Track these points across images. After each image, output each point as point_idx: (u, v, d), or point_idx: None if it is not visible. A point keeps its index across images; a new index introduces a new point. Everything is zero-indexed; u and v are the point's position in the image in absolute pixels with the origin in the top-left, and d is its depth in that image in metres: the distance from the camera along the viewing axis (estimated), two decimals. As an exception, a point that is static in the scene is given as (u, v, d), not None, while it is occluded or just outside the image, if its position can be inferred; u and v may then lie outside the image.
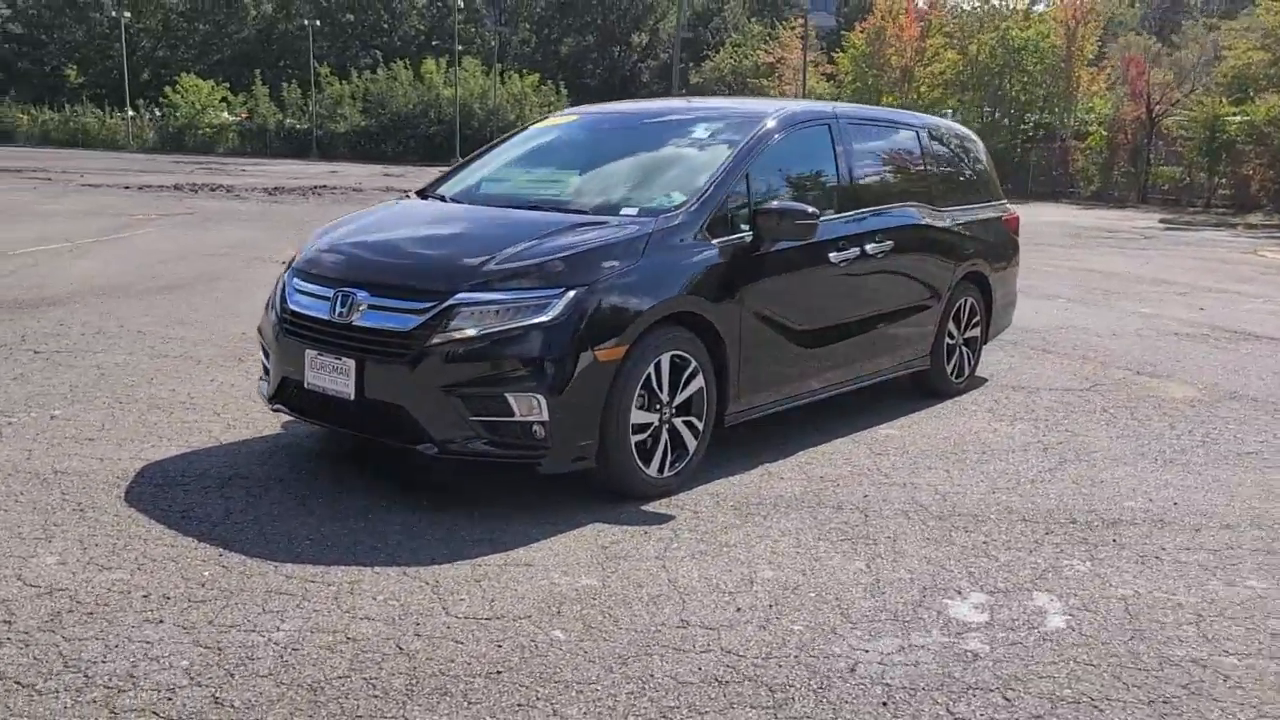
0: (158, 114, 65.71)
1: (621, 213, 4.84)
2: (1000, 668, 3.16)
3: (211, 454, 5.00)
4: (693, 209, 4.77)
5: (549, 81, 66.14)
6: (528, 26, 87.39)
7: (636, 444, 4.45)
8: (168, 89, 64.72)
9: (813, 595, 3.65)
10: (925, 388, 6.67)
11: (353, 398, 4.34)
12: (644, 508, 4.45)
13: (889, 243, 5.86)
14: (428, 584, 3.60)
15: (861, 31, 48.98)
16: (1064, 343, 8.82)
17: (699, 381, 4.70)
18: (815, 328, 5.44)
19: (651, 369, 4.46)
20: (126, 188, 24.79)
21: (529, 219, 4.84)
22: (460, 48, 78.34)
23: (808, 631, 3.36)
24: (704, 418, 4.78)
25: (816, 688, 3.00)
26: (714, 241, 4.79)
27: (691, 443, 4.73)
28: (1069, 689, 3.05)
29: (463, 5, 78.59)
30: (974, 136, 7.47)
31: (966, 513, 4.57)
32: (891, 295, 6.02)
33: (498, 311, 4.17)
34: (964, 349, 6.85)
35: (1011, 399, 6.76)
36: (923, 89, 46.67)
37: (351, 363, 4.31)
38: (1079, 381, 7.32)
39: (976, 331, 6.95)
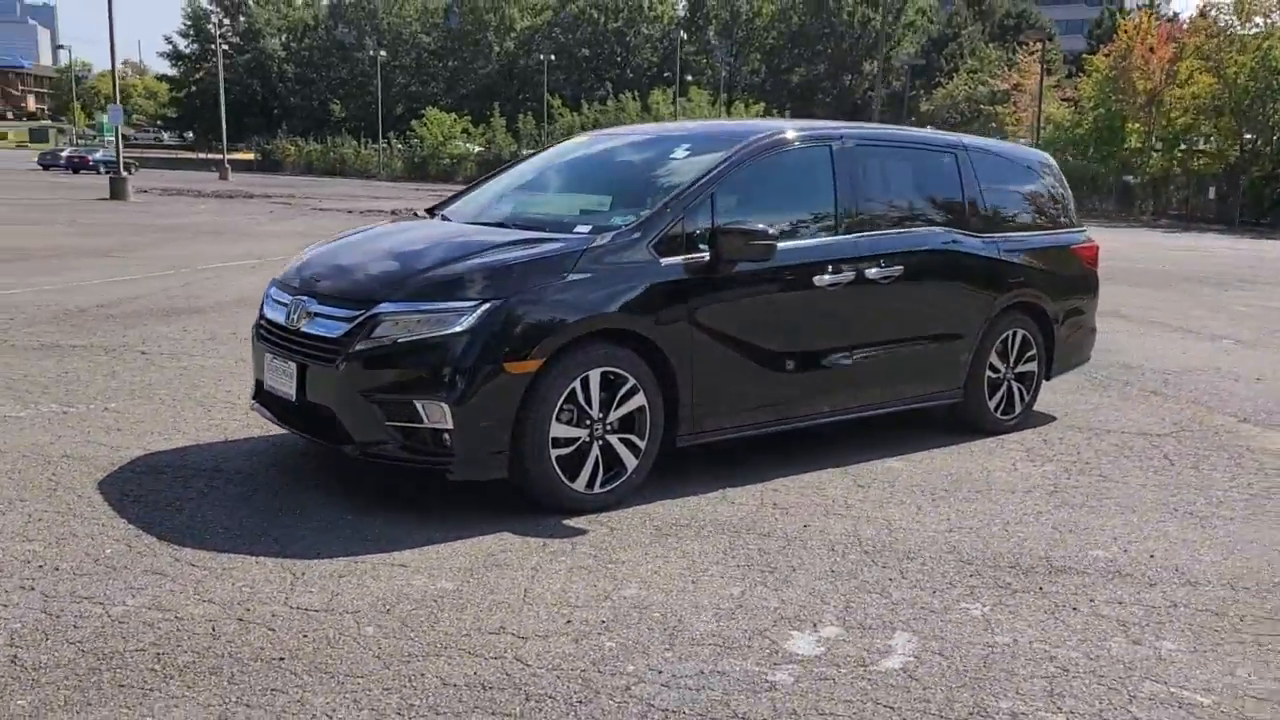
0: (406, 145, 70.32)
1: (574, 230, 4.91)
2: (786, 701, 3.04)
3: (210, 448, 5.40)
4: (636, 229, 4.79)
5: (775, 110, 66.34)
6: (758, 57, 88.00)
7: (559, 458, 4.49)
8: (415, 122, 69.17)
9: (656, 615, 3.60)
10: (965, 423, 6.34)
11: (294, 399, 4.62)
12: (565, 521, 4.50)
13: (898, 268, 5.65)
14: (291, 575, 3.79)
15: (1106, 54, 46.56)
16: (1186, 385, 8.18)
17: (639, 400, 4.69)
18: (797, 351, 5.31)
19: (578, 384, 4.49)
20: (350, 211, 26.72)
21: (480, 236, 5.00)
22: (690, 79, 79.84)
23: (617, 649, 3.33)
24: (646, 437, 4.76)
25: (575, 701, 2.98)
26: (663, 261, 4.78)
27: (631, 461, 4.73)
28: None
29: (691, 37, 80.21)
30: (1044, 161, 7.06)
31: (900, 550, 4.37)
32: (905, 322, 5.79)
33: (415, 322, 4.34)
34: (1015, 384, 6.47)
35: (1063, 440, 6.36)
36: (1173, 114, 43.87)
37: (294, 366, 4.59)
38: (1163, 426, 6.79)
39: (1032, 366, 6.55)
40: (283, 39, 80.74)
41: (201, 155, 75.99)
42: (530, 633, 3.41)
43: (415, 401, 4.28)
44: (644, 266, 4.72)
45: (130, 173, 36.87)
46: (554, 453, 4.48)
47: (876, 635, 3.53)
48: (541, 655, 3.25)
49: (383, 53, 74.10)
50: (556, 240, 4.76)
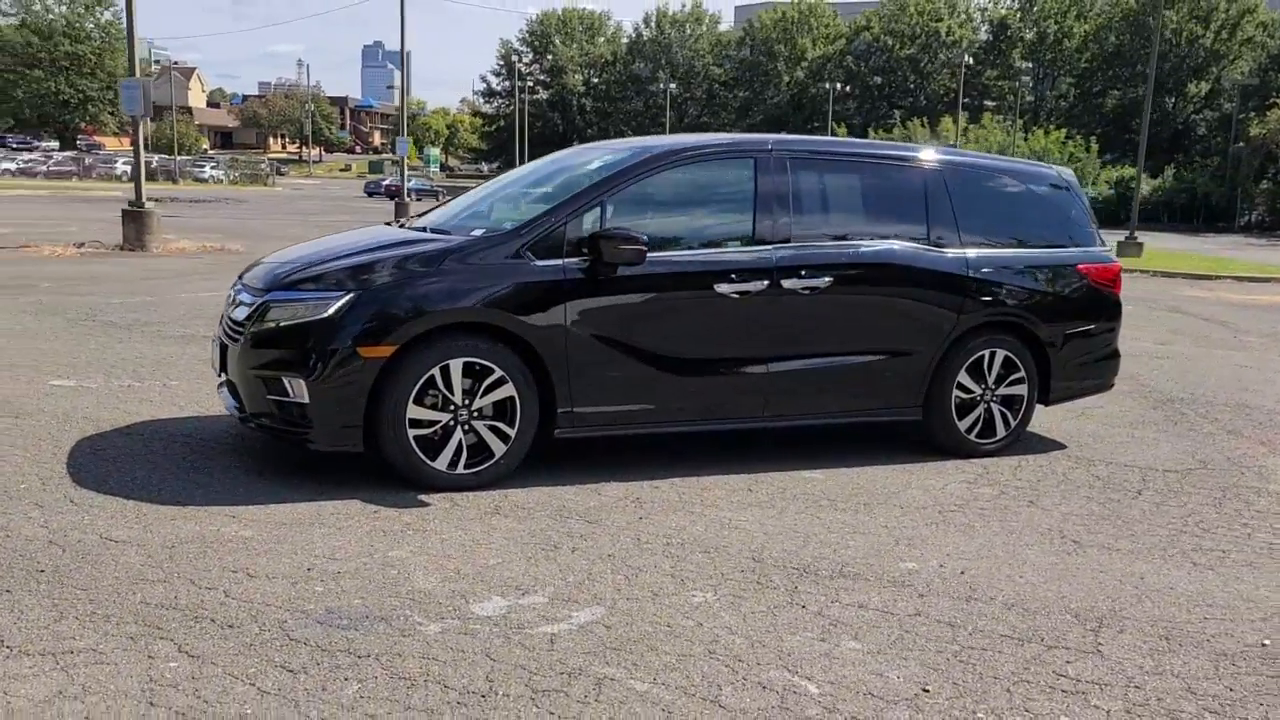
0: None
1: (471, 234, 5.40)
2: (414, 645, 3.38)
3: (203, 420, 6.28)
4: (513, 232, 5.22)
5: (1079, 136, 62.74)
6: (1068, 80, 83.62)
7: (418, 438, 4.98)
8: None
9: (393, 572, 4.02)
10: (933, 444, 6.24)
11: (220, 377, 5.39)
12: (421, 496, 4.97)
13: (825, 279, 5.70)
14: (130, 514, 4.50)
15: None
16: (1250, 420, 7.53)
17: (508, 390, 5.10)
18: (696, 357, 5.50)
19: (437, 371, 4.96)
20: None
21: (391, 239, 5.57)
22: (991, 103, 77.12)
23: (324, 592, 3.78)
24: (516, 425, 5.15)
25: (229, 626, 3.47)
26: (539, 262, 5.17)
27: (499, 447, 5.14)
28: (452, 672, 3.21)
29: (993, 61, 77.43)
30: (1056, 179, 6.76)
31: (705, 545, 4.52)
32: (839, 335, 5.82)
33: (294, 308, 4.98)
34: (996, 407, 6.28)
35: (1043, 468, 6.13)
36: None
37: (219, 347, 5.36)
38: (1189, 463, 6.39)
39: (1019, 389, 6.32)
40: (583, 75, 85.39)
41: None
42: (263, 573, 3.92)
43: (284, 378, 4.91)
44: (515, 266, 5.12)
45: (438, 199, 40.70)
46: (412, 433, 4.95)
47: (569, 607, 3.77)
48: (253, 591, 3.75)
49: (673, 85, 76.64)
50: (437, 241, 5.26)
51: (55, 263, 15.33)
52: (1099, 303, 6.57)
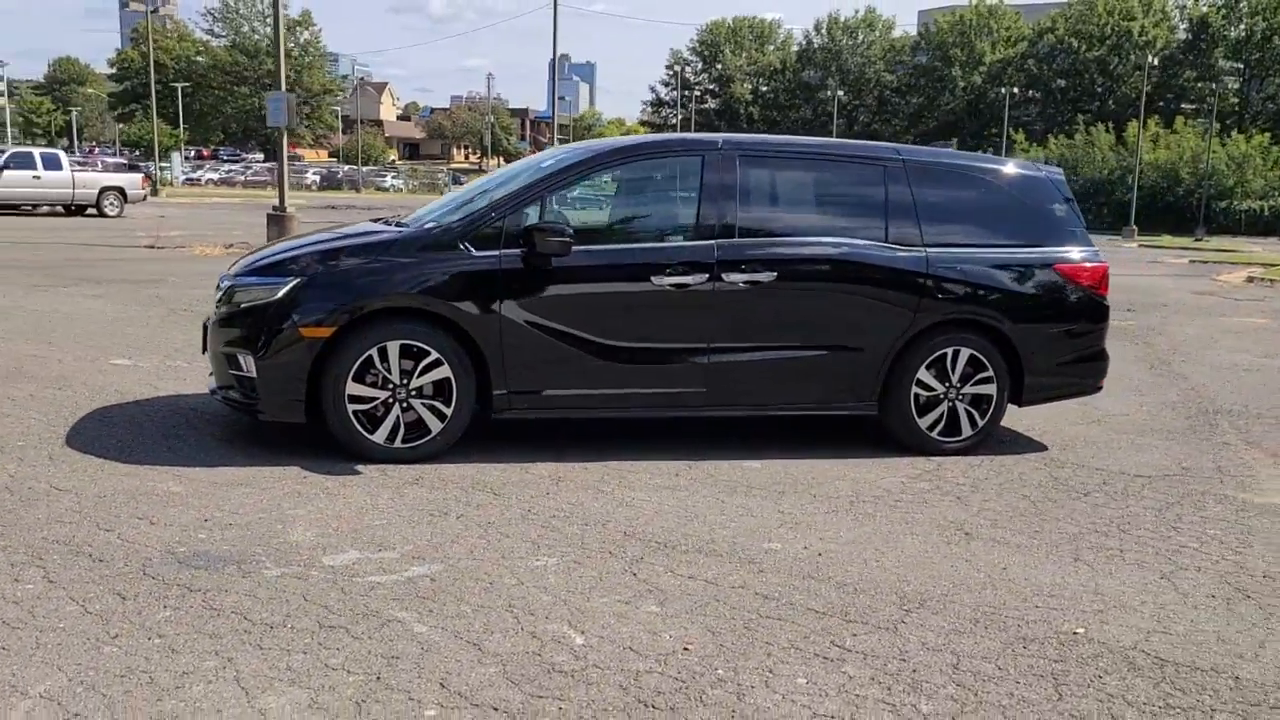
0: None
1: (423, 226, 5.86)
2: (241, 583, 3.84)
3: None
4: (454, 225, 5.64)
5: (1283, 141, 58.72)
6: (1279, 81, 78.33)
7: (357, 413, 5.46)
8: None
9: (279, 527, 4.48)
10: (892, 440, 6.33)
11: (204, 352, 6.03)
12: (358, 466, 5.45)
13: (769, 274, 5.89)
14: (88, 468, 5.14)
15: None
16: None
17: (444, 371, 5.53)
18: (631, 345, 5.77)
19: (375, 352, 5.43)
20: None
21: (358, 230, 6.08)
22: (1189, 106, 73.05)
23: (207, 539, 4.28)
24: (452, 404, 5.58)
25: (101, 560, 4.01)
26: (477, 253, 5.58)
27: (435, 424, 5.56)
28: (259, 608, 3.64)
29: (1192, 61, 73.32)
30: (1038, 178, 6.67)
31: (582, 520, 4.81)
32: (785, 328, 5.96)
33: (252, 291, 5.55)
34: (961, 406, 6.31)
35: (1003, 467, 6.10)
36: None
37: (203, 328, 5.99)
38: (1170, 469, 6.22)
39: (987, 389, 6.31)
40: (752, 83, 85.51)
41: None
42: (163, 521, 4.45)
43: (238, 354, 5.47)
44: (452, 257, 5.53)
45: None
46: (351, 408, 5.43)
47: (412, 563, 4.15)
48: (142, 536, 4.27)
49: (840, 92, 75.86)
50: (387, 233, 5.73)
51: (199, 261, 16.74)
52: (1078, 304, 6.47)
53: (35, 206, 28.12)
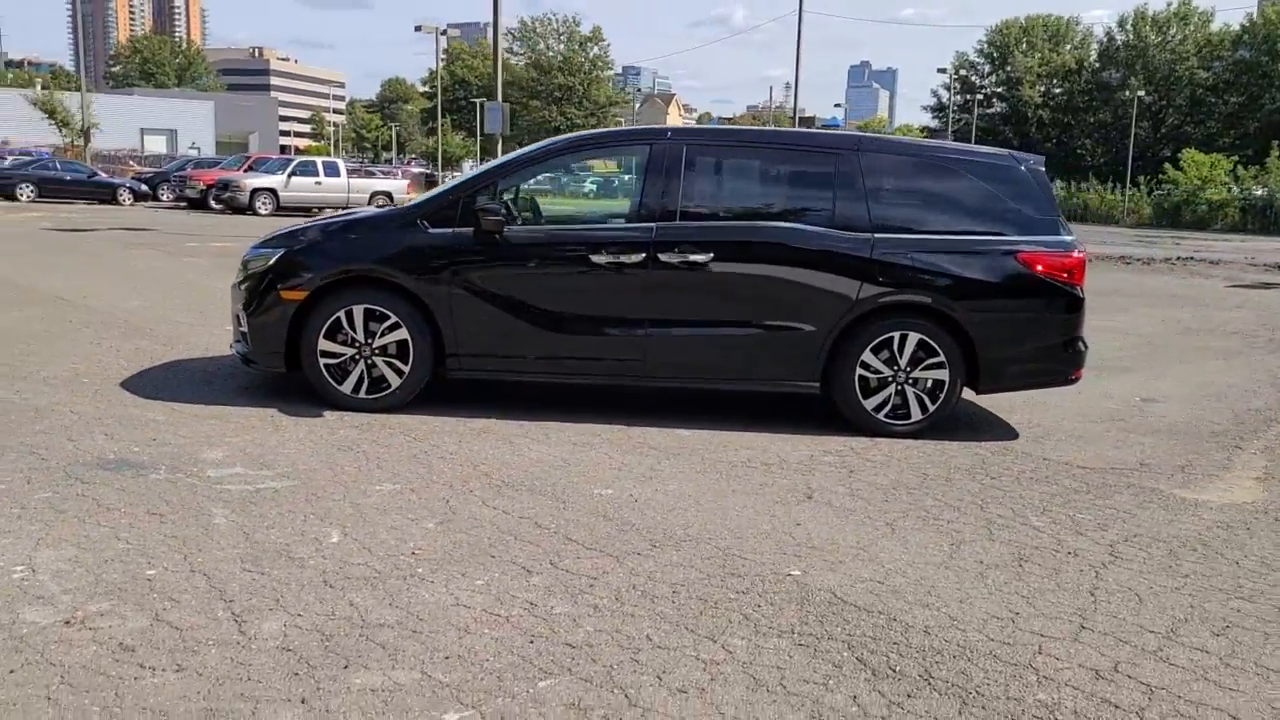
0: (1159, 189, 66.59)
1: (397, 207, 6.77)
2: (124, 479, 4.83)
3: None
4: (411, 206, 6.50)
5: None
6: None
7: (328, 366, 6.42)
8: (1168, 165, 65.27)
9: (203, 447, 5.49)
10: (842, 419, 6.60)
11: (235, 314, 7.20)
12: (326, 412, 6.39)
13: (705, 255, 6.34)
14: (110, 400, 6.38)
15: None
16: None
17: (402, 334, 6.40)
18: (573, 315, 6.38)
19: (343, 314, 6.38)
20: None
21: (351, 212, 7.05)
22: None
23: (136, 454, 5.35)
24: (409, 362, 6.43)
25: (38, 457, 5.14)
26: (432, 230, 6.40)
27: (394, 380, 6.42)
28: (116, 497, 4.54)
29: None
30: (1007, 166, 6.63)
31: (469, 463, 5.48)
32: (717, 305, 6.33)
33: (256, 262, 6.63)
34: (911, 390, 6.49)
35: (937, 450, 6.23)
36: None
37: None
38: (1126, 464, 6.15)
39: (938, 374, 6.43)
40: (1043, 85, 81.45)
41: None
42: (116, 437, 5.54)
43: (240, 314, 6.57)
44: (410, 233, 6.37)
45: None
46: (323, 361, 6.39)
47: (274, 478, 4.99)
48: (93, 446, 5.35)
49: (1140, 92, 70.87)
50: (364, 212, 6.66)
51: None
52: (1042, 292, 6.43)
53: (320, 209, 31.69)
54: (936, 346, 6.34)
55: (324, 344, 6.31)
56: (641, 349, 6.36)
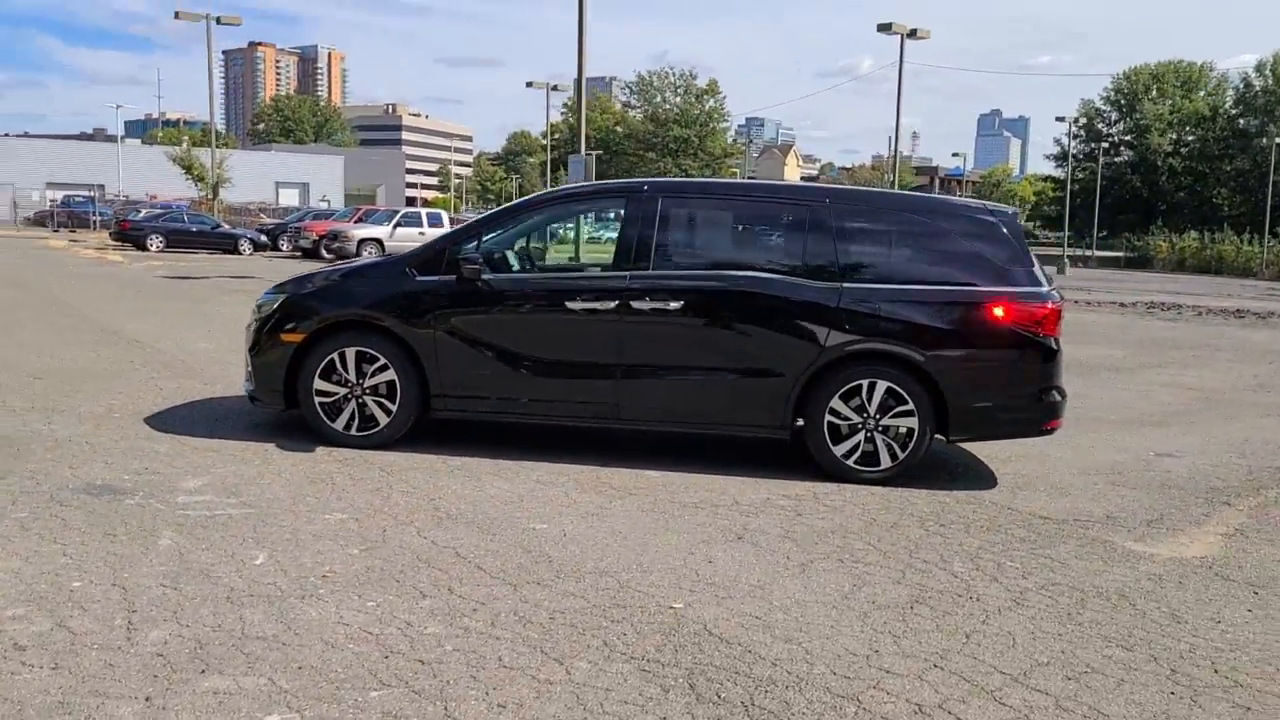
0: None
1: (390, 256, 7.23)
2: (96, 503, 5.32)
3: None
4: (402, 256, 6.95)
5: None
6: None
7: (323, 404, 6.88)
8: (1311, 215, 62.52)
9: (184, 476, 5.99)
10: (813, 464, 6.73)
11: (255, 354, 7.73)
12: (319, 447, 6.85)
13: (675, 303, 6.60)
14: (125, 430, 6.96)
15: None
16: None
17: (390, 375, 6.82)
18: (547, 360, 6.71)
19: (336, 356, 6.84)
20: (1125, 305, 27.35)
21: (357, 260, 7.53)
22: None
23: (119, 481, 5.87)
24: (396, 402, 6.85)
25: (34, 480, 5.70)
26: (419, 277, 6.84)
27: (383, 418, 6.84)
28: (81, 518, 4.97)
29: None
30: (981, 217, 6.70)
31: (425, 497, 5.85)
32: (686, 352, 6.55)
33: (264, 307, 7.15)
34: (880, 437, 6.59)
35: (900, 498, 6.29)
36: None
37: (251, 333, 7.69)
38: (1093, 516, 6.13)
39: (906, 422, 6.50)
40: (1172, 134, 79.00)
41: (1075, 251, 77.84)
42: (113, 466, 6.06)
43: (249, 354, 7.10)
44: (398, 280, 6.80)
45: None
46: (318, 400, 6.85)
47: (231, 505, 5.44)
48: (84, 473, 5.88)
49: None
50: (361, 261, 7.13)
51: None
52: (1012, 342, 6.48)
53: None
54: (905, 394, 6.42)
55: (319, 383, 6.75)
56: (615, 393, 6.62)
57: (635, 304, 6.51)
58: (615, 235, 7.37)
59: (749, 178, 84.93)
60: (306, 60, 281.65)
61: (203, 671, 3.48)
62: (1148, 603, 4.65)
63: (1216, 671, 3.92)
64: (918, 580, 4.80)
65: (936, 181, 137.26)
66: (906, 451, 6.47)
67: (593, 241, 7.63)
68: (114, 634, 3.73)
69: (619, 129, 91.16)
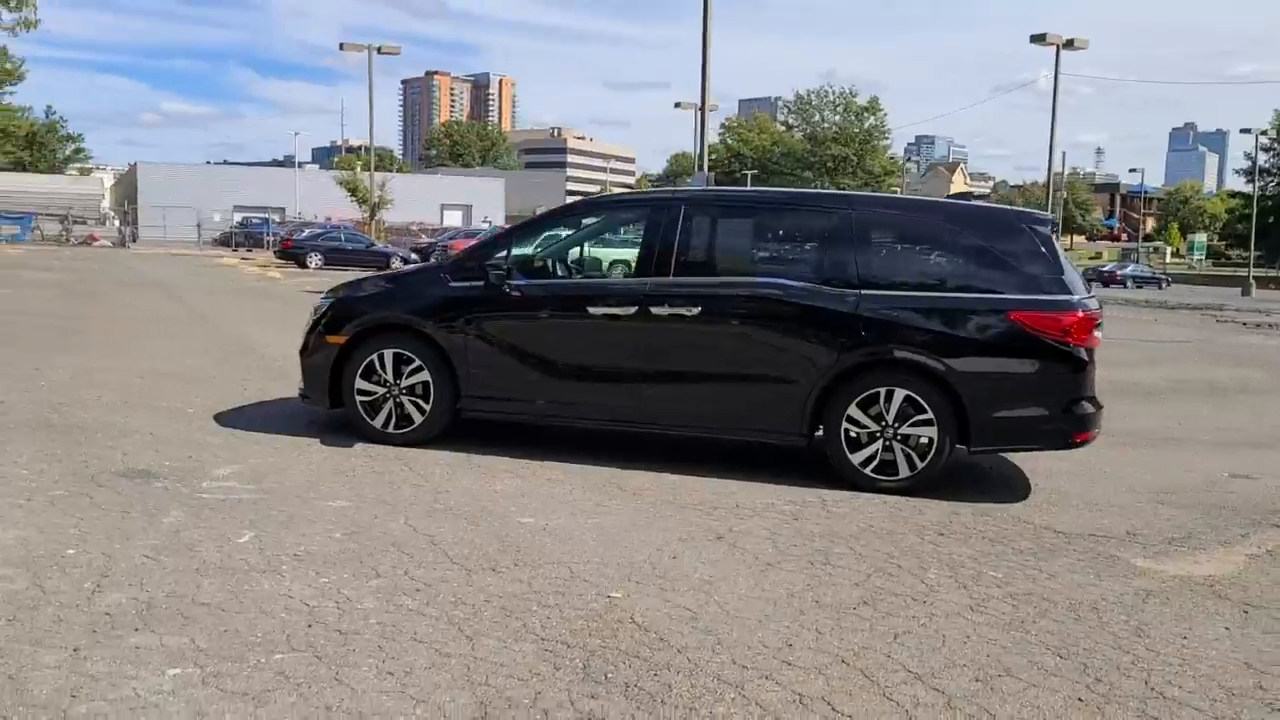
0: None
1: (430, 263, 7.60)
2: (129, 485, 5.80)
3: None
4: (439, 261, 7.31)
5: None
6: None
7: (363, 403, 7.27)
8: None
9: (220, 464, 6.47)
10: (832, 472, 6.73)
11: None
12: (359, 443, 7.24)
13: (694, 309, 6.72)
14: (188, 422, 7.51)
15: None
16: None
17: (424, 375, 7.17)
18: (571, 363, 6.93)
19: (375, 357, 7.24)
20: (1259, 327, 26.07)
21: (401, 269, 7.92)
22: None
23: (155, 464, 6.38)
24: (429, 401, 7.20)
25: (82, 463, 6.25)
26: (453, 283, 7.18)
27: (417, 417, 7.19)
28: (114, 498, 5.40)
29: None
30: (1008, 224, 6.57)
31: (430, 491, 6.12)
32: (704, 356, 6.64)
33: (318, 311, 7.63)
34: (899, 446, 6.53)
35: (913, 507, 6.19)
36: None
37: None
38: (1113, 533, 5.93)
39: (925, 431, 6.41)
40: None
41: (1266, 272, 73.25)
42: (162, 453, 6.56)
43: (300, 355, 7.58)
44: (434, 286, 7.16)
45: (1161, 288, 48.06)
46: (359, 399, 7.25)
47: (254, 490, 5.86)
48: (134, 458, 6.40)
49: None
50: (405, 269, 7.52)
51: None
52: (1037, 352, 6.31)
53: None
54: (924, 403, 6.34)
55: (360, 383, 7.13)
56: (635, 397, 6.75)
57: (654, 309, 6.63)
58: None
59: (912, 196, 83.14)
60: (479, 87, 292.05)
61: (137, 630, 3.79)
62: (1117, 616, 4.50)
63: (1147, 684, 3.79)
64: (880, 584, 4.76)
65: (1117, 199, 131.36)
66: (925, 461, 6.38)
67: (628, 248, 7.75)
68: (79, 595, 4.10)
69: (776, 148, 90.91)
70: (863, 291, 6.41)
